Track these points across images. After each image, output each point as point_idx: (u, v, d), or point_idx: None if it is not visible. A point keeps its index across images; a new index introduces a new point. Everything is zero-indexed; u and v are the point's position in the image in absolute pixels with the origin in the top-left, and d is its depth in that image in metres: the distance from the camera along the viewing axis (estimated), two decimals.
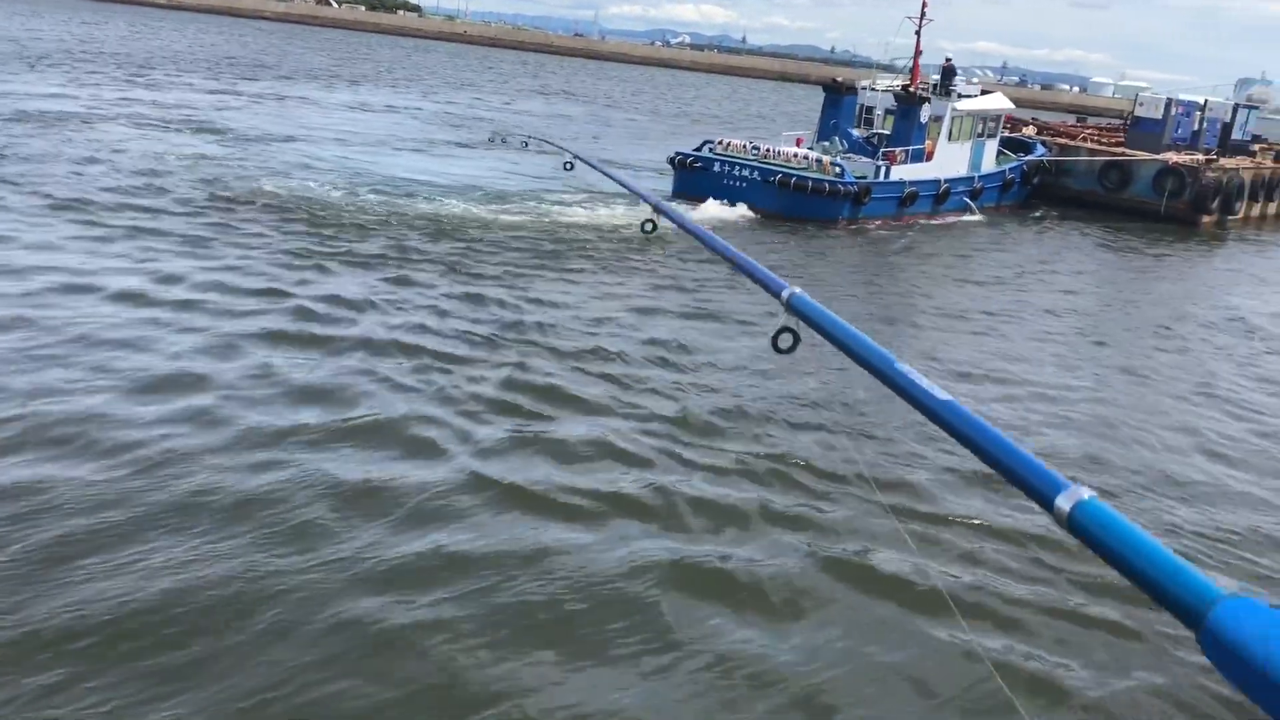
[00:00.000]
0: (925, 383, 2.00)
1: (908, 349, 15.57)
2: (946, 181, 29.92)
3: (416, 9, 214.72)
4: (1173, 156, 37.23)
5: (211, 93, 45.52)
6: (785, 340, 2.67)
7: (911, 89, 30.54)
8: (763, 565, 8.26)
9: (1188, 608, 1.01)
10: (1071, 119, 58.25)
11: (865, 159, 28.87)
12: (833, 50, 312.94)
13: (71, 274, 14.44)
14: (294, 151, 29.48)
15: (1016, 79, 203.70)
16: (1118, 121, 62.15)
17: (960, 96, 30.59)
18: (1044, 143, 38.75)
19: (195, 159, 25.76)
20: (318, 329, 13.12)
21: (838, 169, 26.87)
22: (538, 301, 15.74)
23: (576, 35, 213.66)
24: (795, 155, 27.50)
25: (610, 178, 6.48)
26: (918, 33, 31.79)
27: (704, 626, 7.32)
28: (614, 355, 13.38)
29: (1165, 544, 1.11)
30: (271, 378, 11.20)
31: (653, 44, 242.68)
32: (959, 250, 26.54)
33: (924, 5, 31.58)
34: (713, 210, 25.96)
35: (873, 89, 31.83)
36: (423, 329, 13.67)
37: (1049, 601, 8.14)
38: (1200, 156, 38.12)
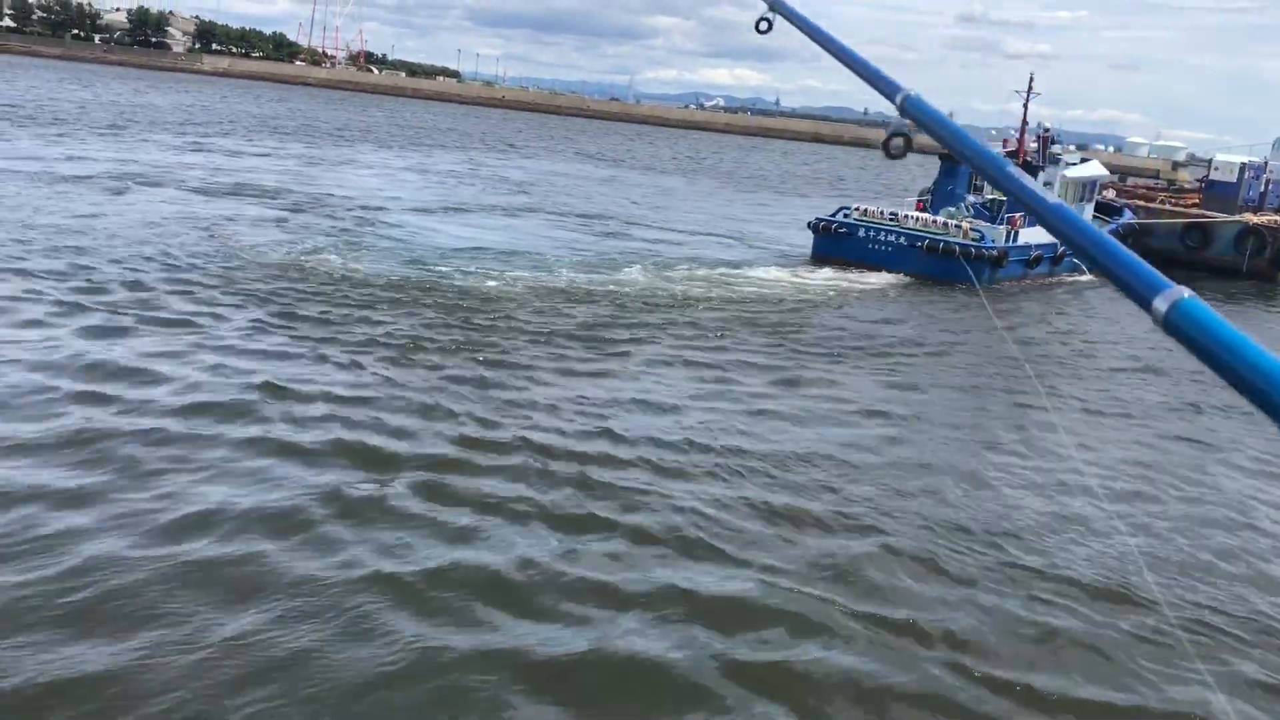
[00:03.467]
0: (1036, 186, 1.99)
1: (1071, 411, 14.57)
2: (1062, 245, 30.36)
3: (455, 75, 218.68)
4: (1251, 217, 37.79)
5: (252, 155, 46.00)
6: (897, 146, 2.82)
7: (1022, 156, 31.45)
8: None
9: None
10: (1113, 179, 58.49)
11: (987, 224, 29.30)
12: (865, 112, 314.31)
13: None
14: (333, 216, 28.92)
15: (1053, 139, 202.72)
16: (1159, 183, 61.77)
17: (1067, 164, 31.75)
18: (1128, 206, 39.48)
19: (220, 222, 25.14)
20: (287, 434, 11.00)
21: (977, 234, 27.82)
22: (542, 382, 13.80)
23: (612, 99, 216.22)
24: (934, 221, 28.42)
25: None
26: (1025, 105, 32.87)
27: None
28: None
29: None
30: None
31: (687, 107, 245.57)
32: (1090, 311, 27.38)
33: (1030, 79, 33.06)
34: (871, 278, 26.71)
35: None
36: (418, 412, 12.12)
37: None
38: (1277, 218, 37.97)
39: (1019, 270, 28.97)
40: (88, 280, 17.23)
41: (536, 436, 11.44)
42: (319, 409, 11.72)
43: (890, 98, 2.78)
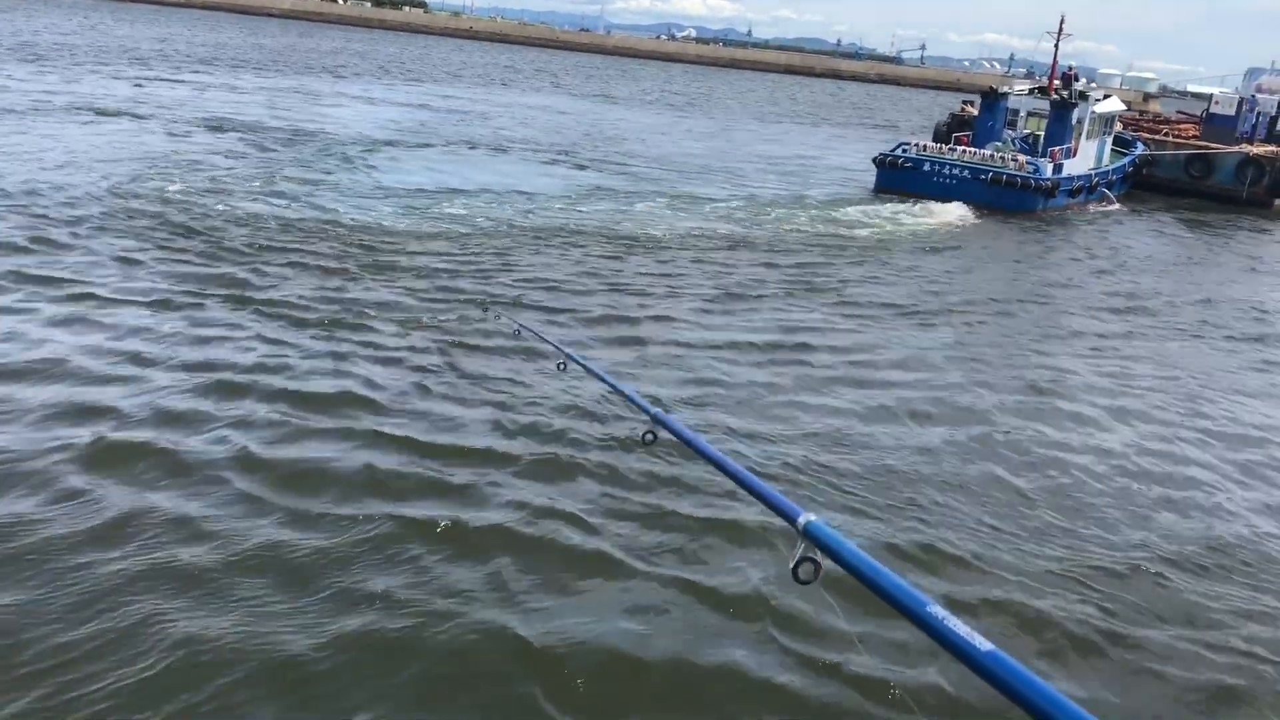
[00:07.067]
0: (964, 630, 1.83)
1: None
2: (1096, 175, 32.89)
3: (422, 5, 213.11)
4: (1250, 148, 39.23)
5: (214, 89, 44.78)
6: (807, 570, 2.34)
7: (1052, 93, 32.86)
8: None
9: None
10: None
11: (1029, 158, 30.34)
12: (839, 43, 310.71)
13: None
14: (296, 152, 27.72)
15: (1025, 71, 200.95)
16: (1134, 113, 61.87)
17: (1095, 101, 33.01)
18: (1138, 138, 40.50)
19: (169, 155, 24.24)
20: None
21: (1032, 166, 29.17)
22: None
23: (582, 30, 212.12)
24: (991, 155, 29.88)
25: (604, 381, 5.41)
26: (1056, 45, 34.21)
27: None
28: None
29: None
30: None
31: (658, 38, 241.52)
32: (1139, 234, 29.18)
33: (1061, 20, 34.60)
34: (942, 212, 27.49)
35: (1015, 94, 34.38)
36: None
37: None
38: (1274, 148, 39.87)
39: (1064, 200, 30.55)
40: None
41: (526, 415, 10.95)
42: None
43: (791, 522, 2.44)
